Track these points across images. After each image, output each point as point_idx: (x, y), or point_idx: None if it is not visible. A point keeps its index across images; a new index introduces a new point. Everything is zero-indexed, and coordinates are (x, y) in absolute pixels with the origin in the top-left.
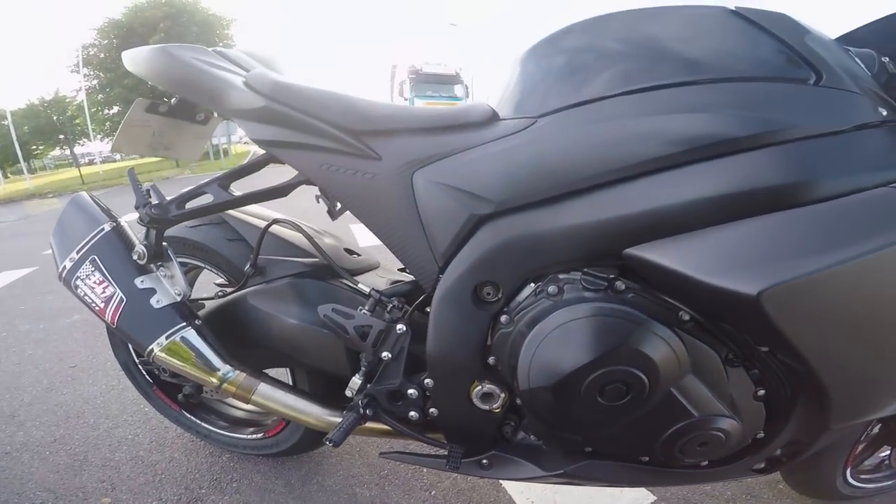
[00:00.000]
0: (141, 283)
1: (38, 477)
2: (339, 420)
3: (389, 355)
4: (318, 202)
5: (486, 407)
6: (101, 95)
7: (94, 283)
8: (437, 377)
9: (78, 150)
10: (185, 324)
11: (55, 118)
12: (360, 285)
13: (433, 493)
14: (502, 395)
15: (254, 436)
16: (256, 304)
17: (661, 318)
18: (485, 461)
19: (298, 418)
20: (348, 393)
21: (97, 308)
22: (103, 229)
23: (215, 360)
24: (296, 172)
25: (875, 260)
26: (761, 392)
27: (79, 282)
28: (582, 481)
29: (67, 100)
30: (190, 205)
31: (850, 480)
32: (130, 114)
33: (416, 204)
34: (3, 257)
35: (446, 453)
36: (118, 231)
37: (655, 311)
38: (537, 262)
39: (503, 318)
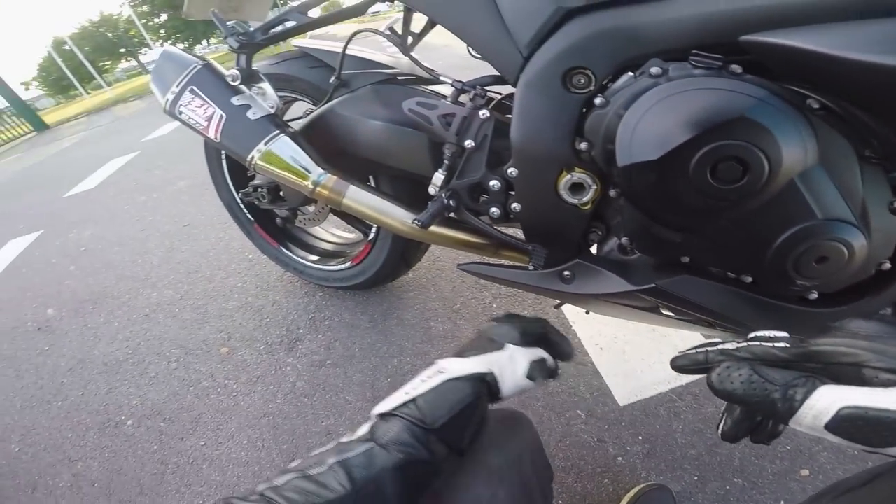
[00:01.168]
0: (237, 100)
1: (171, 335)
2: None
3: (472, 143)
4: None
5: (575, 200)
6: (145, 6)
7: (196, 107)
8: (523, 165)
9: (143, 59)
10: (278, 131)
11: (110, 35)
12: (442, 78)
13: None
14: (593, 187)
15: (341, 266)
16: (343, 112)
17: (786, 99)
18: (566, 273)
19: (385, 221)
20: (431, 190)
21: (201, 127)
22: (196, 66)
23: (308, 163)
24: None
25: None
26: None
27: (182, 108)
28: (670, 302)
29: (114, 17)
30: (273, 31)
31: None
32: None
33: (495, 2)
34: (111, 149)
35: (525, 263)
36: (209, 67)
37: (779, 92)
38: (636, 51)
39: (598, 100)
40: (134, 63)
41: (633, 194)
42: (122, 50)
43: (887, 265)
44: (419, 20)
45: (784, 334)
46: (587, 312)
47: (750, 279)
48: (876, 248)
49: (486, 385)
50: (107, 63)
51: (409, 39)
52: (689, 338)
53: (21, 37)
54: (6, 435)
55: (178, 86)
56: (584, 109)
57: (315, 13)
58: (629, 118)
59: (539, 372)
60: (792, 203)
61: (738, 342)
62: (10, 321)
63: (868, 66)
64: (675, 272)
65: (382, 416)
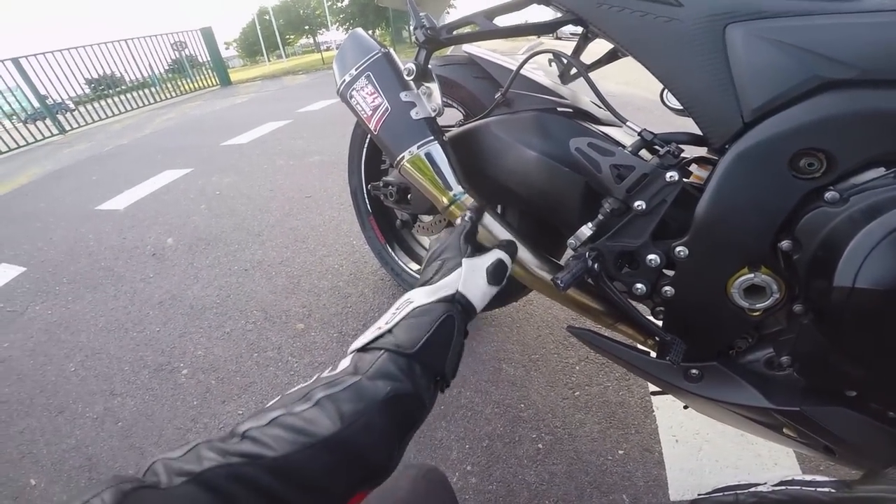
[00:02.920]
0: (405, 96)
1: (260, 296)
2: (542, 272)
3: (643, 206)
4: (551, 65)
5: (745, 304)
6: None
7: (367, 94)
8: (698, 247)
9: (319, 38)
10: (433, 138)
11: (301, 12)
12: (629, 123)
13: (577, 393)
14: (775, 295)
15: None
16: (498, 132)
17: None
18: (694, 371)
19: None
20: (572, 242)
21: (365, 116)
22: (378, 53)
23: (451, 179)
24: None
25: None
26: None
27: (353, 93)
28: (808, 428)
29: None
30: (458, 32)
31: None
32: None
33: (727, 55)
34: (270, 113)
35: (647, 347)
36: (389, 56)
37: None
38: None
39: (829, 194)
40: (311, 40)
41: (834, 321)
42: (306, 27)
43: None
44: (591, 52)
45: (827, 479)
46: (685, 407)
47: None
48: None
49: (457, 304)
50: (291, 37)
51: (572, 71)
52: (775, 448)
53: (235, 1)
54: (72, 353)
55: (356, 69)
56: (803, 201)
57: (500, 22)
58: (876, 229)
59: (500, 273)
60: None
61: (773, 484)
62: (134, 240)
63: None
64: (827, 401)
65: (362, 349)
